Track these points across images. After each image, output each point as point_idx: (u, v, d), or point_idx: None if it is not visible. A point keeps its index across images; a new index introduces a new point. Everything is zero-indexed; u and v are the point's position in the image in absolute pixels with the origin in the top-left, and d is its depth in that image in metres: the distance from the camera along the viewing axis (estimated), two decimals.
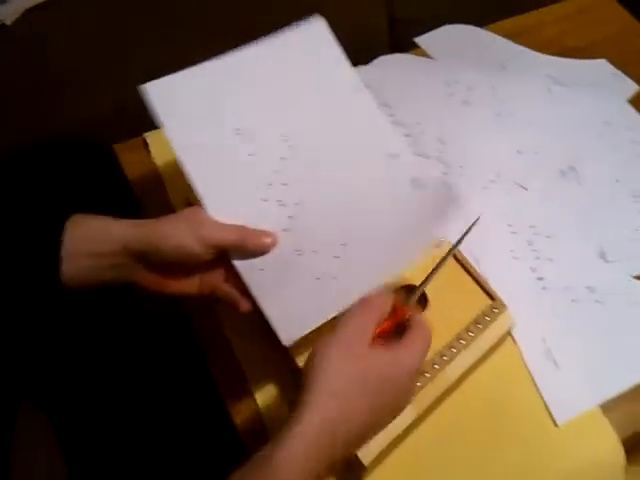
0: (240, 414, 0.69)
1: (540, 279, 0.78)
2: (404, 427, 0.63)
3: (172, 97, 0.67)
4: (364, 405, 0.50)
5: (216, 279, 0.64)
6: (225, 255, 0.63)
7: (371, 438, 0.54)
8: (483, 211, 0.82)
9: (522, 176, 0.88)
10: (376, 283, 0.62)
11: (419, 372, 0.54)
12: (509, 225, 0.83)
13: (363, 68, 1.00)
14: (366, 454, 0.60)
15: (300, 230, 0.66)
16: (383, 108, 0.93)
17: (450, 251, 0.64)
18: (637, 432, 0.68)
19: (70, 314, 0.62)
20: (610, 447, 0.67)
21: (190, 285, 0.64)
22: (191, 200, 0.75)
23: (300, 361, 0.64)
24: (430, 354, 0.66)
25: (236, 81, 0.70)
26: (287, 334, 0.60)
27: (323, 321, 0.60)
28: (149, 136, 0.91)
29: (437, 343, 0.67)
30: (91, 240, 0.58)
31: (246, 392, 0.70)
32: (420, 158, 0.82)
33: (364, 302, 0.55)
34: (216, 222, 0.63)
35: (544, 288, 0.78)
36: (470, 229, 0.64)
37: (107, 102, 0.99)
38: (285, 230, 0.66)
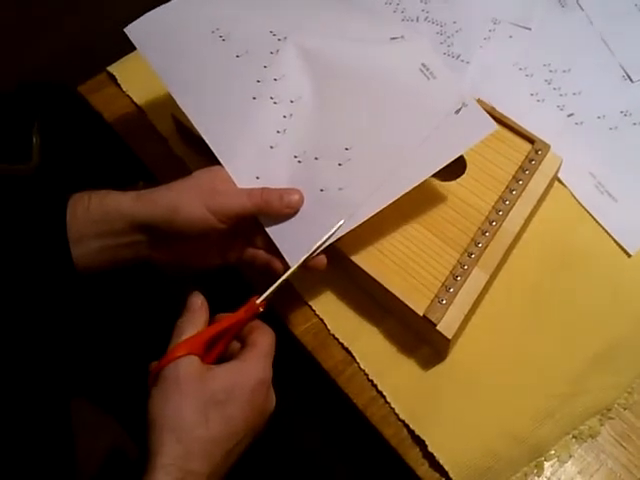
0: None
1: (571, 115, 0.73)
2: (478, 292, 0.58)
3: (154, 33, 0.64)
4: (222, 433, 0.46)
5: (241, 243, 0.57)
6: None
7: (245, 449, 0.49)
8: (492, 61, 0.77)
9: (520, 16, 0.81)
10: (391, 196, 0.56)
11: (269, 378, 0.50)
12: (521, 69, 0.77)
13: None
14: (447, 327, 0.56)
15: (297, 132, 0.59)
16: None
17: (292, 270, 0.54)
18: None
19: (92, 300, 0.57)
20: None
21: (212, 255, 0.57)
22: (177, 116, 0.69)
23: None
24: (485, 212, 0.61)
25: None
26: (292, 254, 0.55)
27: (330, 241, 0.55)
28: (114, 69, 0.82)
29: (488, 200, 0.62)
30: (96, 220, 0.52)
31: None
32: (425, 40, 0.71)
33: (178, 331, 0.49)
34: (231, 189, 0.55)
35: (578, 123, 0.72)
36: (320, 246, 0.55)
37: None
38: (279, 132, 0.59)
